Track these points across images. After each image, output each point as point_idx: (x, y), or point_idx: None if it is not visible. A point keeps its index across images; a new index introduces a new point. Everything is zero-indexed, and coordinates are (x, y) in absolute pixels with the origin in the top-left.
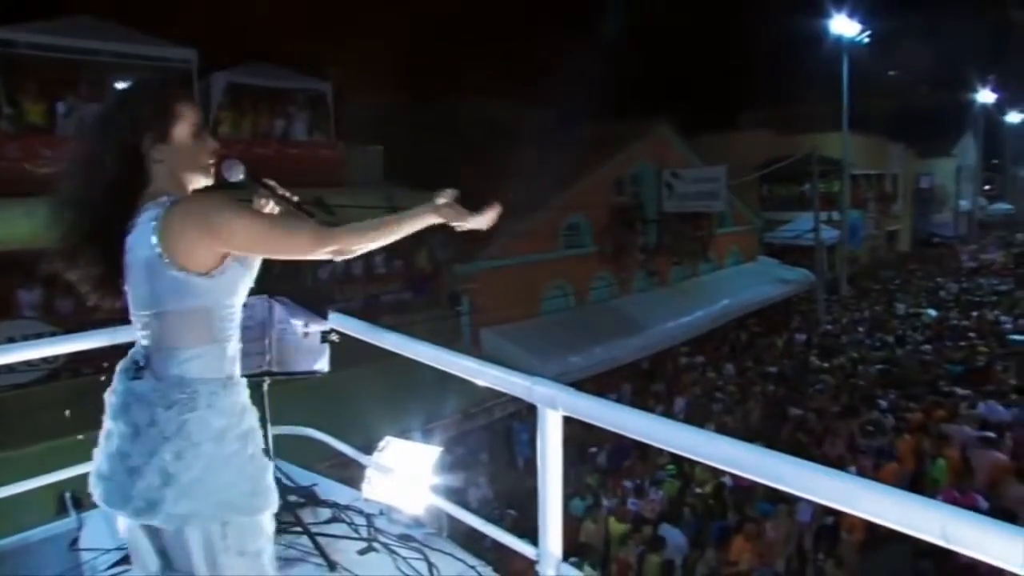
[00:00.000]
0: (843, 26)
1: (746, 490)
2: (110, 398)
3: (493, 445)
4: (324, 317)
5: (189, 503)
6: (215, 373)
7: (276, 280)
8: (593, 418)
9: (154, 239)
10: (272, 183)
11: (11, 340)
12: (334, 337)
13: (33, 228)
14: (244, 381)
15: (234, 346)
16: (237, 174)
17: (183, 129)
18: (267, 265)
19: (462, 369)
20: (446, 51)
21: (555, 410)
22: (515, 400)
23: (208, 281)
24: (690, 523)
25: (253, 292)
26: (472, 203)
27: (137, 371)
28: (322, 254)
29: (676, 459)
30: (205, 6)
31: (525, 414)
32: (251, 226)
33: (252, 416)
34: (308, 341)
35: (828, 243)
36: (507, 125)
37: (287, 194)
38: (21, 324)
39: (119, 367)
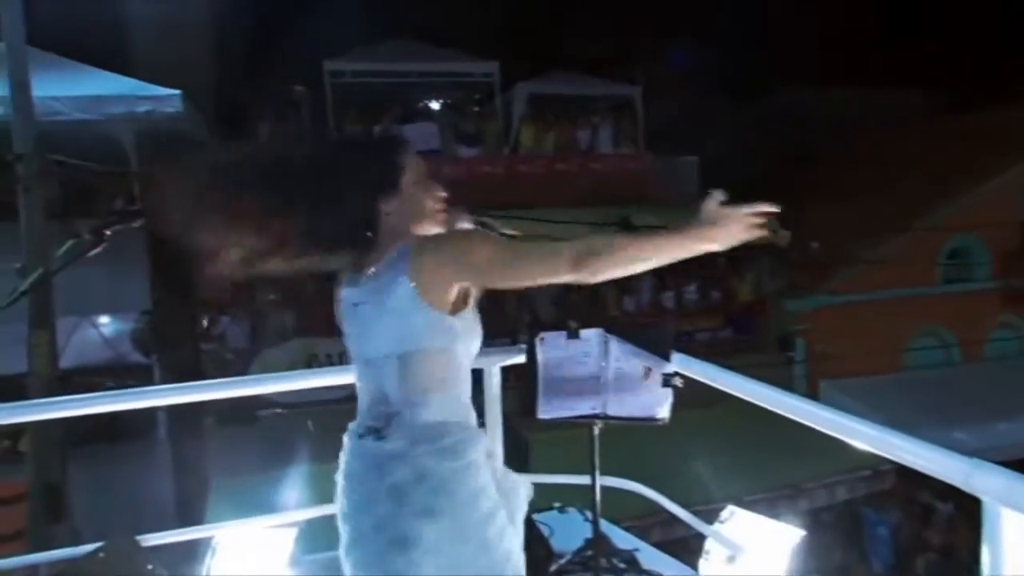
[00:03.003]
0: None
1: None
2: (348, 463)
3: (835, 535)
4: (667, 358)
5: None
6: (461, 420)
7: (596, 311)
8: None
9: (406, 279)
10: (490, 221)
11: (328, 357)
12: (678, 381)
13: None
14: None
15: (467, 396)
16: (463, 224)
17: (409, 179)
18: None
19: (853, 434)
20: (765, 36)
21: (1013, 510)
22: (867, 480)
23: (455, 321)
24: None
25: (585, 324)
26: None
27: (379, 432)
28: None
29: None
30: (507, 16)
31: (881, 500)
32: (504, 252)
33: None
34: (648, 384)
35: None
36: (852, 120)
37: (508, 232)
38: (338, 342)
39: (353, 430)
